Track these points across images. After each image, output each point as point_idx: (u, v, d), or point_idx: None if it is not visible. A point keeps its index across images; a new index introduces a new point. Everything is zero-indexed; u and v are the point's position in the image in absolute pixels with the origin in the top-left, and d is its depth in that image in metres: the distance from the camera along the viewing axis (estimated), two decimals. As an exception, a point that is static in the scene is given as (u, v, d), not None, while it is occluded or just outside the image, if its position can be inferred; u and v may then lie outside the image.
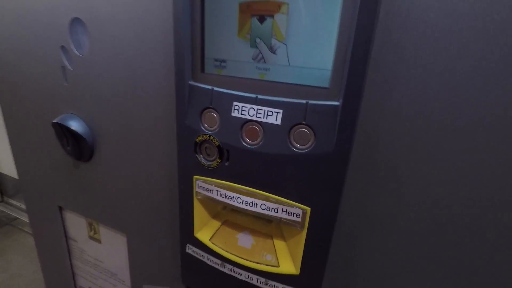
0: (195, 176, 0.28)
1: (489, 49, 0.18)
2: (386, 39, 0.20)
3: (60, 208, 0.46)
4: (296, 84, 0.23)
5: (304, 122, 0.23)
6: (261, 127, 0.24)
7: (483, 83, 0.18)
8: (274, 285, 0.29)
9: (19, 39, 0.37)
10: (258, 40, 0.23)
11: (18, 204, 2.00)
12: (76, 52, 0.33)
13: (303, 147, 0.23)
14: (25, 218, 1.88)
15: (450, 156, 0.20)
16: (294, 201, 0.25)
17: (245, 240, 0.29)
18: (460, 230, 0.21)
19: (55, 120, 0.36)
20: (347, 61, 0.20)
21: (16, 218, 1.89)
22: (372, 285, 0.26)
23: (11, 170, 1.92)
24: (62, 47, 0.33)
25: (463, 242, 0.22)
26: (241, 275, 0.30)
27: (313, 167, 0.23)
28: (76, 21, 0.32)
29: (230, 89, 0.25)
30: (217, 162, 0.27)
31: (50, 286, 0.54)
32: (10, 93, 0.42)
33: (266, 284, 0.29)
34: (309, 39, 0.22)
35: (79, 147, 0.36)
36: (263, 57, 0.24)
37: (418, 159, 0.21)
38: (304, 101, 0.22)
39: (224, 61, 0.25)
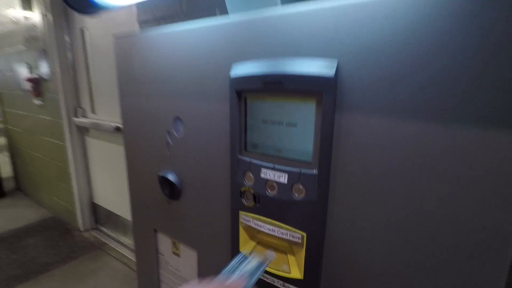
0: (240, 211, 0.47)
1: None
2: (341, 142, 0.37)
3: (155, 231, 0.67)
4: (295, 159, 0.40)
5: (299, 182, 0.40)
6: (276, 184, 0.42)
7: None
8: (288, 286, 0.44)
9: (145, 125, 0.61)
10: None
11: (107, 231, 2.40)
12: (175, 134, 0.55)
13: (299, 196, 0.40)
14: (113, 244, 2.24)
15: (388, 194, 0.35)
16: (296, 229, 0.41)
17: (270, 254, 0.46)
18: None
19: (160, 173, 0.58)
20: (319, 149, 0.37)
21: (106, 244, 2.26)
22: (360, 285, 0.40)
23: (104, 202, 2.34)
24: (168, 131, 0.56)
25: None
26: (267, 278, 0.46)
27: (306, 208, 0.40)
28: (177, 118, 0.55)
29: (260, 161, 0.43)
30: (252, 203, 0.44)
31: (142, 290, 0.75)
32: (134, 152, 0.66)
33: (284, 285, 0.44)
34: (301, 141, 0.39)
35: (172, 191, 0.58)
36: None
37: (367, 200, 0.36)
38: (298, 170, 0.39)
39: (257, 144, 0.44)
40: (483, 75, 0.27)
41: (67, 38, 2.15)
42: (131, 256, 2.10)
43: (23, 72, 2.50)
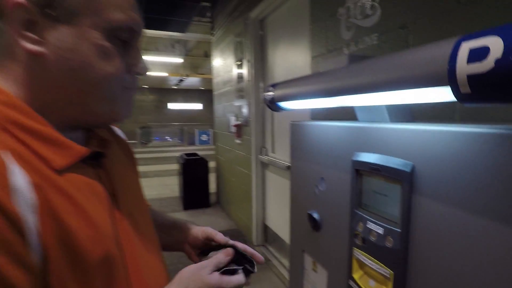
0: (353, 248, 0.69)
1: (445, 223, 0.50)
2: (417, 212, 0.55)
3: (303, 251, 0.97)
4: (388, 219, 0.61)
5: (389, 234, 0.60)
6: (376, 233, 0.63)
7: (446, 234, 0.50)
8: (382, 308, 0.63)
9: (303, 178, 0.95)
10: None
11: (272, 250, 2.89)
12: (320, 188, 0.85)
13: (389, 244, 0.60)
14: (275, 262, 2.69)
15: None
16: (387, 267, 0.60)
17: (372, 283, 0.66)
18: None
19: (308, 211, 0.89)
20: (402, 215, 0.57)
21: (270, 261, 2.75)
22: (425, 321, 0.55)
23: (273, 225, 2.86)
24: (316, 185, 0.87)
25: None
26: (369, 299, 0.66)
27: (393, 254, 0.59)
28: (322, 178, 0.84)
29: (368, 216, 0.66)
30: (361, 243, 0.67)
31: (291, 293, 1.06)
32: (295, 193, 1.00)
33: (379, 307, 0.63)
34: (392, 208, 0.60)
35: (315, 225, 0.86)
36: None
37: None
38: (389, 227, 0.60)
39: (367, 204, 0.67)
40: None
41: (261, 93, 2.90)
42: (287, 275, 2.47)
43: (232, 119, 3.50)
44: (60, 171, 0.40)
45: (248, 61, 2.95)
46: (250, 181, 3.08)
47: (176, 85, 14.57)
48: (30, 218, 0.35)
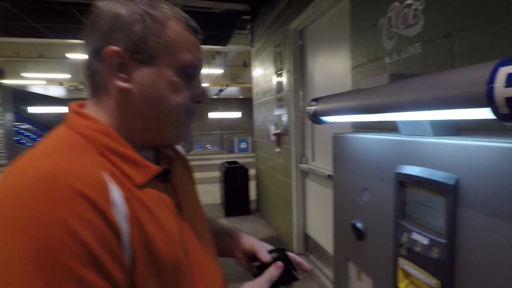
0: (398, 257, 0.71)
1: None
2: (462, 224, 0.57)
3: (347, 259, 1.00)
4: (433, 230, 0.63)
5: (435, 245, 0.61)
6: (421, 244, 0.65)
7: None
8: (428, 318, 0.64)
9: (346, 188, 0.98)
10: (422, 212, 0.66)
11: (314, 259, 2.88)
12: (363, 198, 0.88)
13: (435, 255, 0.61)
14: (316, 272, 2.68)
15: (488, 273, 0.52)
16: (433, 277, 0.62)
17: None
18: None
19: (352, 221, 0.91)
20: (447, 227, 0.59)
21: (311, 269, 2.74)
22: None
23: (314, 233, 2.86)
24: (359, 196, 0.89)
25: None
26: (415, 308, 0.67)
27: (439, 264, 0.61)
28: (365, 188, 0.87)
29: (412, 227, 0.68)
30: (406, 253, 0.69)
31: (335, 300, 1.08)
32: (339, 203, 1.03)
33: (426, 317, 0.65)
34: (437, 219, 0.62)
35: (359, 234, 0.89)
36: (424, 218, 0.66)
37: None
38: (434, 237, 0.62)
39: (410, 216, 0.69)
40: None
41: (301, 102, 2.94)
42: (328, 284, 2.45)
43: (272, 128, 3.58)
44: (140, 187, 0.49)
45: (288, 71, 3.01)
46: (290, 190, 3.11)
47: (216, 94, 15.08)
48: (124, 226, 0.43)
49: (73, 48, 8.28)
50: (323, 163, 2.60)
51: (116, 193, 0.44)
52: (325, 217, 2.54)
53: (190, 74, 0.53)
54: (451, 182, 0.57)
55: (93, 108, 0.52)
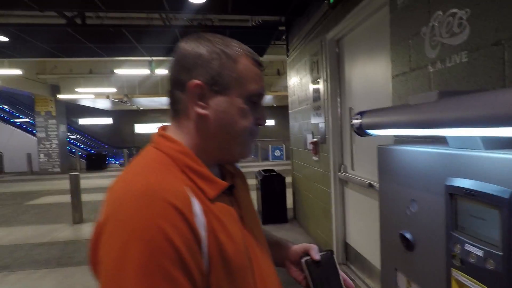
0: (452, 268, 0.73)
1: None
2: None
3: (395, 269, 1.01)
4: (487, 242, 0.64)
5: (490, 257, 0.63)
6: (475, 255, 0.66)
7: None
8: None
9: (394, 199, 1.00)
10: (475, 224, 0.68)
11: (354, 269, 2.84)
12: (411, 209, 0.89)
13: (490, 267, 0.63)
14: (358, 282, 2.64)
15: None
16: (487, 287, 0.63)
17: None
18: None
19: (400, 231, 0.93)
20: (503, 239, 0.60)
21: (352, 280, 2.70)
22: None
23: (355, 243, 2.82)
24: (407, 206, 0.91)
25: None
26: (470, 319, 0.68)
27: (495, 277, 0.62)
28: (413, 199, 0.89)
29: (465, 238, 0.69)
30: (460, 264, 0.70)
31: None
32: (386, 214, 1.05)
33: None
34: (492, 231, 0.63)
35: (408, 244, 0.91)
36: (478, 230, 0.67)
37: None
38: (490, 250, 0.63)
39: (463, 227, 0.70)
40: None
41: (338, 112, 2.95)
42: (373, 297, 2.40)
43: (309, 137, 3.60)
44: (212, 200, 0.56)
45: (325, 80, 3.04)
46: (329, 198, 3.10)
47: (250, 103, 15.30)
48: (203, 234, 0.50)
49: (119, 64, 8.93)
50: (363, 172, 2.58)
51: (197, 206, 0.52)
52: (367, 227, 2.51)
53: (255, 101, 0.61)
54: (506, 195, 0.59)
55: (174, 131, 0.61)
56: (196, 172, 0.57)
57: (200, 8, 3.06)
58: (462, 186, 0.69)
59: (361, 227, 2.66)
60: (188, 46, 0.58)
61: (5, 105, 14.57)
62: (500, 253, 0.61)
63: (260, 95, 0.62)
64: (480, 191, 0.64)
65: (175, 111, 0.61)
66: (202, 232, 0.50)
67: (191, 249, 0.48)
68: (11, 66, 7.53)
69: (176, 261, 0.45)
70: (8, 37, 3.71)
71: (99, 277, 0.47)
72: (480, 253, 0.65)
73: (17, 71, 7.29)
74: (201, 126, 0.59)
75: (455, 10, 1.37)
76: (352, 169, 2.79)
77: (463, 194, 0.69)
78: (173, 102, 0.61)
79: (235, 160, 0.66)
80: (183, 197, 0.50)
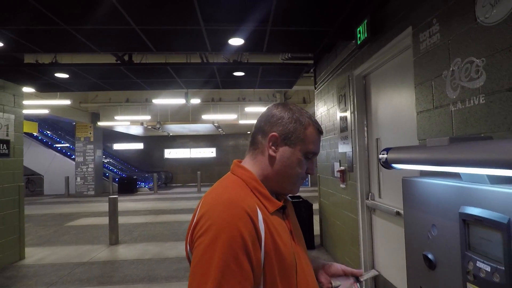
0: (467, 282, 0.87)
1: None
2: (517, 253, 0.74)
3: (420, 287, 1.14)
4: (493, 259, 0.79)
5: (496, 272, 0.78)
6: (485, 271, 0.81)
7: None
8: (496, 333, 0.79)
9: (417, 225, 1.16)
10: (484, 245, 0.83)
11: (384, 298, 2.85)
12: (432, 233, 1.05)
13: (496, 280, 0.78)
14: (387, 310, 2.65)
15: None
16: (496, 298, 0.78)
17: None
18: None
19: (423, 252, 1.08)
20: (504, 256, 0.76)
21: (382, 308, 2.71)
22: None
23: (383, 271, 2.86)
24: (428, 231, 1.07)
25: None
26: (484, 326, 0.82)
27: None
28: (433, 225, 1.05)
29: (476, 257, 0.85)
30: (473, 279, 0.85)
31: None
32: (411, 240, 1.21)
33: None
34: (496, 250, 0.79)
35: (430, 264, 1.05)
36: (486, 250, 0.83)
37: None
38: (495, 266, 0.78)
39: (474, 247, 0.86)
40: None
41: (365, 142, 3.11)
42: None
43: (336, 165, 3.75)
44: (271, 213, 0.79)
45: (352, 112, 3.23)
46: (356, 226, 3.19)
47: (275, 129, 15.64)
48: (262, 235, 0.72)
49: (155, 94, 9.63)
50: (390, 200, 2.69)
51: (260, 215, 0.74)
52: (395, 254, 2.57)
53: (310, 157, 0.84)
54: (505, 221, 0.75)
55: (249, 162, 0.86)
56: (260, 192, 0.81)
57: (238, 49, 3.43)
58: (472, 213, 0.86)
59: (390, 255, 2.72)
60: (276, 109, 0.85)
61: (49, 131, 15.80)
62: (503, 268, 0.76)
63: (315, 154, 0.85)
64: (486, 218, 0.81)
65: (254, 149, 0.85)
66: (262, 233, 0.72)
67: (254, 243, 0.70)
68: (61, 97, 8.38)
69: (243, 249, 0.67)
70: (68, 74, 4.26)
71: (194, 252, 0.70)
72: (488, 268, 0.81)
73: (67, 102, 8.06)
74: (270, 163, 0.83)
75: (472, 58, 1.56)
76: (380, 197, 2.89)
77: (473, 220, 0.86)
78: (254, 142, 0.86)
79: (285, 193, 0.88)
80: (253, 208, 0.74)
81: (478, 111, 1.52)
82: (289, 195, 0.90)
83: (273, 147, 0.82)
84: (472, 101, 1.56)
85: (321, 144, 3.99)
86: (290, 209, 0.96)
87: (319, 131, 0.85)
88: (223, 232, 0.67)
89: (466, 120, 1.61)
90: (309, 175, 0.88)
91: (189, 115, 11.57)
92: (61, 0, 2.34)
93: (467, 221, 0.88)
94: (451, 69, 1.71)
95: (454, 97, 1.68)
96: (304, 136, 0.82)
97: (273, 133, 0.81)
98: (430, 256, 1.05)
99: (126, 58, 4.24)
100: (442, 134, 1.79)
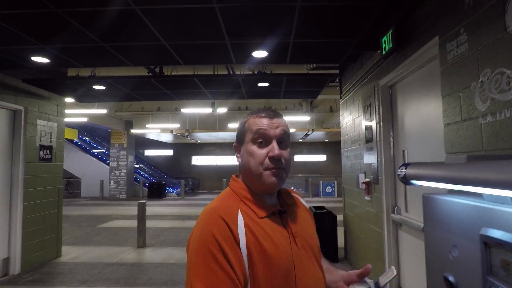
0: (488, 309, 0.83)
1: None
2: (540, 281, 0.69)
3: (442, 311, 1.09)
4: (518, 287, 0.75)
5: (519, 300, 0.73)
6: (506, 297, 0.77)
7: None
8: None
9: (438, 244, 1.11)
10: (506, 269, 0.79)
11: (411, 318, 2.71)
12: (452, 254, 1.00)
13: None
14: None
15: None
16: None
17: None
18: None
19: (444, 274, 1.03)
20: (527, 284, 0.71)
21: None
22: None
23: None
24: (449, 251, 1.02)
25: None
26: None
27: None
28: (454, 245, 1.00)
29: (498, 282, 0.80)
30: (494, 305, 0.80)
31: None
32: (432, 259, 1.16)
33: None
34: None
35: (451, 286, 1.00)
36: (508, 275, 0.78)
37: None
38: (518, 293, 0.74)
39: (496, 272, 0.81)
40: None
41: (391, 153, 3.01)
42: None
43: (361, 176, 3.66)
44: (261, 218, 0.82)
45: (377, 123, 3.16)
46: (382, 240, 3.08)
47: (302, 138, 15.55)
48: (240, 235, 0.76)
49: (184, 103, 9.95)
50: (417, 215, 2.58)
51: (241, 220, 0.79)
52: (421, 271, 2.45)
53: (261, 142, 0.85)
54: (526, 246, 0.71)
55: (239, 174, 0.93)
56: (249, 200, 0.86)
57: (262, 61, 3.48)
58: (493, 236, 0.82)
59: (416, 271, 2.59)
60: (240, 122, 0.94)
61: (87, 137, 16.78)
62: (525, 295, 0.72)
63: (263, 135, 0.86)
64: (508, 242, 0.76)
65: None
66: (240, 235, 0.77)
67: (227, 241, 0.75)
68: (99, 106, 8.93)
69: (218, 248, 0.73)
70: (104, 86, 4.54)
71: (187, 256, 0.77)
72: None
73: (103, 111, 8.58)
74: (241, 169, 0.90)
75: (503, 69, 1.48)
76: (406, 211, 2.78)
77: (494, 243, 0.81)
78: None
79: (265, 188, 0.86)
80: (232, 214, 0.79)
81: (510, 125, 1.44)
82: (273, 190, 0.88)
83: (238, 155, 0.91)
84: (503, 114, 1.48)
85: (346, 154, 3.88)
86: (300, 214, 0.96)
87: (259, 114, 0.88)
88: (199, 237, 0.75)
89: (497, 133, 1.53)
90: (280, 162, 0.85)
91: (216, 123, 11.81)
92: (100, 21, 2.53)
93: (488, 243, 0.84)
94: (480, 80, 1.63)
95: (484, 109, 1.61)
96: (247, 127, 0.88)
97: (234, 144, 0.93)
98: (450, 278, 1.01)
99: (157, 70, 4.45)
100: (471, 148, 1.71)
